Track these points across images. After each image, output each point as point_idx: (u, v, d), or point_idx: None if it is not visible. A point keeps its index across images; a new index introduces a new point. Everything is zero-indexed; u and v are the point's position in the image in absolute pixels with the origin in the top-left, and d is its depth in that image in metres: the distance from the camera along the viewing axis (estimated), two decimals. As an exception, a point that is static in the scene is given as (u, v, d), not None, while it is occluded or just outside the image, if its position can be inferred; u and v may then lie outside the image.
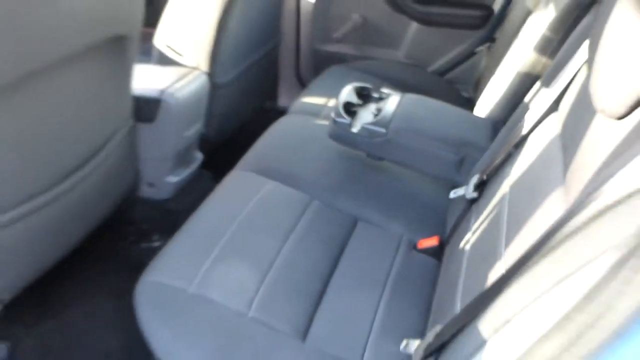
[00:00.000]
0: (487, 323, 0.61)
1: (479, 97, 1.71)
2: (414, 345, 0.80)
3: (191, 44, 1.63)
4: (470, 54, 2.06)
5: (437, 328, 0.77)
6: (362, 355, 0.95)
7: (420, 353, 0.75)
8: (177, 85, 1.52)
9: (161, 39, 1.63)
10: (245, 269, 1.04)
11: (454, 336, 0.69)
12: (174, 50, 1.64)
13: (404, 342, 0.82)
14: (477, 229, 0.96)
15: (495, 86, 1.54)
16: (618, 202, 0.46)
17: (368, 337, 0.98)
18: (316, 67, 2.17)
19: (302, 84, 2.23)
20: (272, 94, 2.30)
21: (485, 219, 0.96)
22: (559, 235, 0.54)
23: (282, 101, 2.28)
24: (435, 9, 2.05)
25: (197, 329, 0.94)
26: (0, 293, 1.12)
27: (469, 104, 1.78)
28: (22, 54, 0.96)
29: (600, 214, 0.48)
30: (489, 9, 2.00)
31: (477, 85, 1.90)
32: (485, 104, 1.56)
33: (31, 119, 1.06)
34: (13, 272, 1.16)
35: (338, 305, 1.03)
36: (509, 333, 0.57)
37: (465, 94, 2.02)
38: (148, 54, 1.65)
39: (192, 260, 1.05)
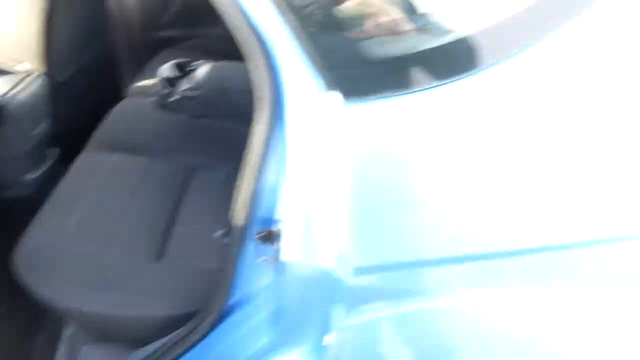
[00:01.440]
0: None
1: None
2: None
3: (22, 51, 1.75)
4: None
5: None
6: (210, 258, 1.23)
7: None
8: (16, 90, 1.65)
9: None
10: (100, 221, 1.31)
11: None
12: (6, 61, 1.77)
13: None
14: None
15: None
16: None
17: (213, 244, 1.23)
18: (150, 53, 2.31)
19: (141, 70, 2.38)
20: (117, 83, 2.39)
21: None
22: None
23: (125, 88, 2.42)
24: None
25: (70, 273, 1.20)
26: None
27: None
28: None
29: None
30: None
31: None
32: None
33: None
34: None
35: (186, 229, 1.33)
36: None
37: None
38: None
39: (54, 226, 1.30)
